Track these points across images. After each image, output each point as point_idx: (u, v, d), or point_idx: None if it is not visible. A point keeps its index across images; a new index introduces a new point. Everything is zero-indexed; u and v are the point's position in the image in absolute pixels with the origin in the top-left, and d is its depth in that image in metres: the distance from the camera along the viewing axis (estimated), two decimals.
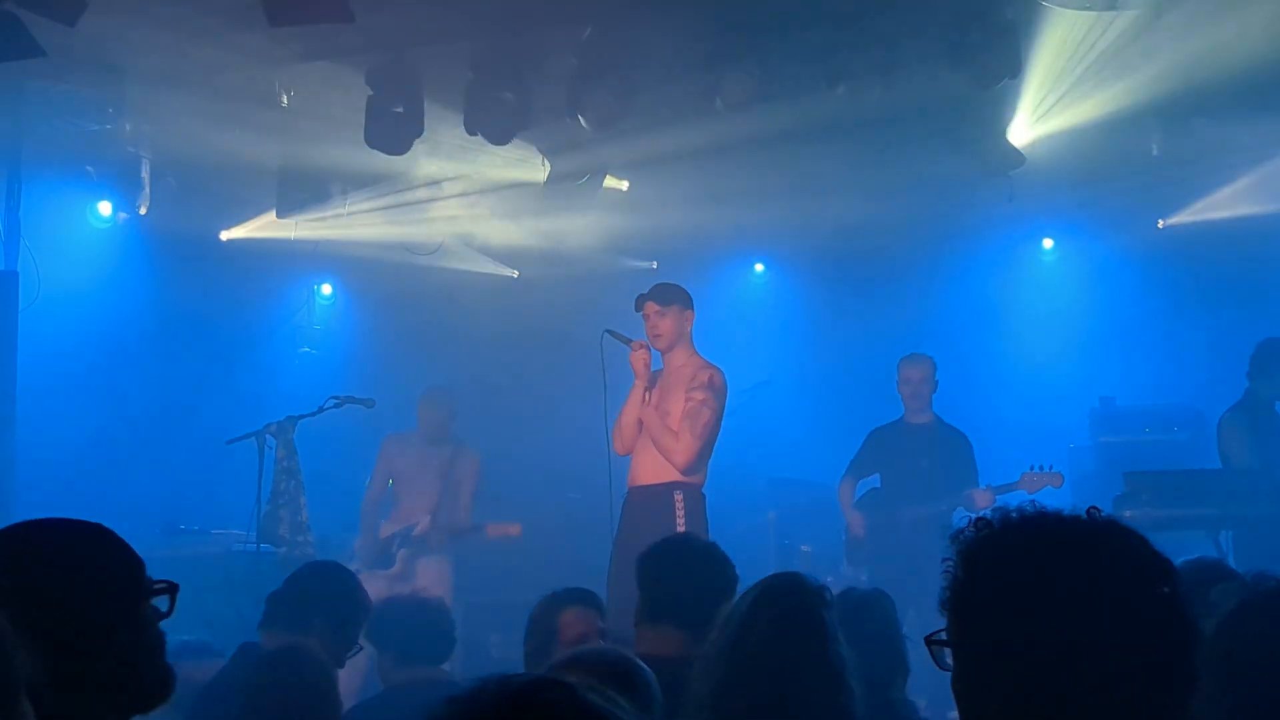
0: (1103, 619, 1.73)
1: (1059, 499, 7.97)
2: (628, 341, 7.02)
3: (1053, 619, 1.74)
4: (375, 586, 8.42)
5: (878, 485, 8.85)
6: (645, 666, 2.94)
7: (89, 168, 9.68)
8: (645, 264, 11.65)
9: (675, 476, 6.83)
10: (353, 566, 8.82)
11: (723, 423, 6.98)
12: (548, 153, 9.76)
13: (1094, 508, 1.88)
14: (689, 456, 6.83)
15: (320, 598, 4.93)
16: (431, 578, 8.75)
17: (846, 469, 8.83)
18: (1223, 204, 10.18)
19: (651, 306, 6.97)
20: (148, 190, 9.63)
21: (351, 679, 6.43)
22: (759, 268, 12.29)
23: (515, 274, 11.93)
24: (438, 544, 8.90)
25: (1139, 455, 8.91)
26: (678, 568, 4.24)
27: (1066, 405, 10.25)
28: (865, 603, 4.41)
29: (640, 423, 7.00)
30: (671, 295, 7.01)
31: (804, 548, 9.48)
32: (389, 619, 5.42)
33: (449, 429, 9.21)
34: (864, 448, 8.84)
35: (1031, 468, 8.22)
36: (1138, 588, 1.77)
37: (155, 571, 2.65)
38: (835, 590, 3.67)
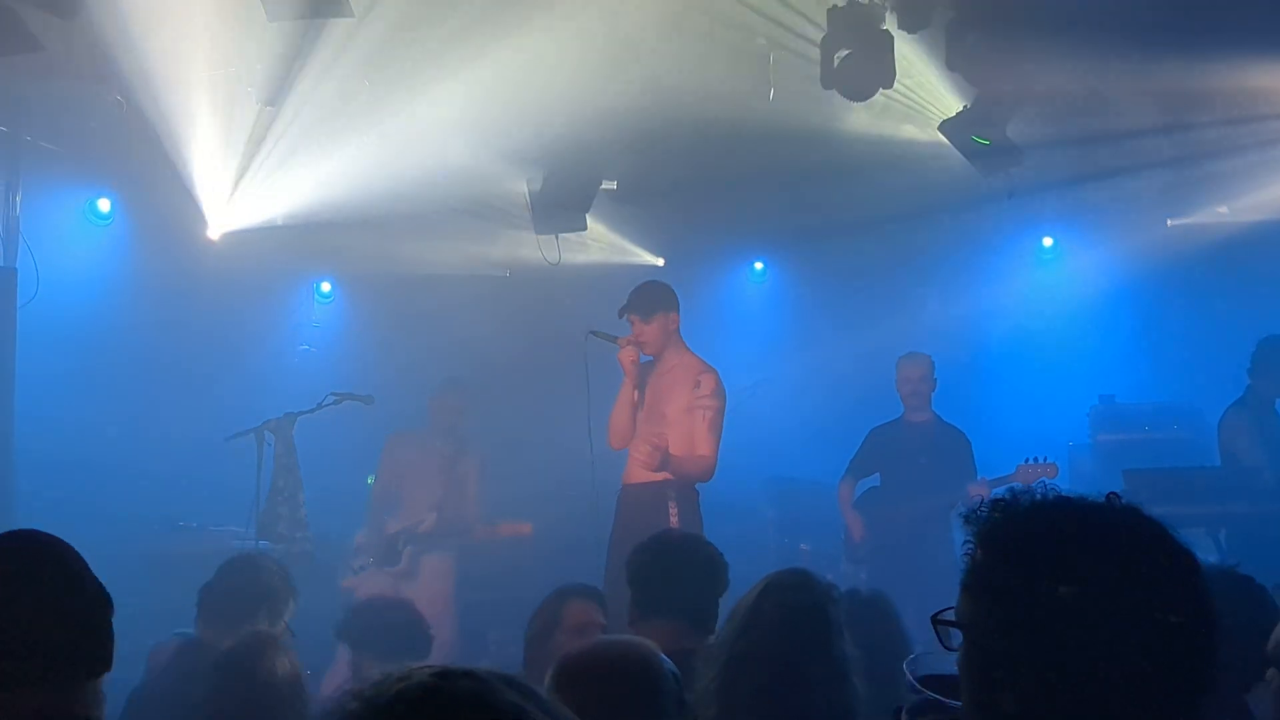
0: (1125, 604, 1.70)
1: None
2: (614, 340, 6.97)
3: (1073, 603, 1.71)
4: (380, 583, 8.46)
5: (878, 484, 8.85)
6: (665, 657, 2.94)
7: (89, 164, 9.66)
8: (653, 260, 11.62)
9: (668, 475, 6.82)
10: (356, 563, 8.86)
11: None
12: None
13: (1114, 494, 1.86)
14: (713, 471, 6.88)
15: (260, 588, 4.98)
16: (434, 575, 8.78)
17: (846, 469, 8.82)
18: (1234, 210, 10.20)
19: (634, 317, 6.94)
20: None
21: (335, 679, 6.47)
22: (759, 265, 12.29)
23: (507, 273, 11.91)
24: (444, 541, 8.91)
25: (1139, 453, 8.92)
26: (667, 563, 4.26)
27: (1066, 403, 10.23)
28: (868, 604, 4.43)
29: (634, 419, 6.98)
30: (653, 305, 6.95)
31: (803, 546, 9.48)
32: (365, 618, 5.45)
33: (459, 425, 9.22)
34: (863, 447, 8.84)
35: (1027, 459, 8.24)
36: (1161, 574, 1.74)
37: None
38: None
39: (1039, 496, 1.84)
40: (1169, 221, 10.68)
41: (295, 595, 5.20)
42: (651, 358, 7.02)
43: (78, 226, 10.26)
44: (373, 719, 1.31)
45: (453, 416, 9.19)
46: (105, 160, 9.58)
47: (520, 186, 10.16)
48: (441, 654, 8.41)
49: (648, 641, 3.00)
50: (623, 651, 2.95)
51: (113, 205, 10.21)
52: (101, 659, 2.54)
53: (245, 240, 10.44)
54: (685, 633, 4.00)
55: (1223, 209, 10.30)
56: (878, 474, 8.86)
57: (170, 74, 8.43)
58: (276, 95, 8.54)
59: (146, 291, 10.46)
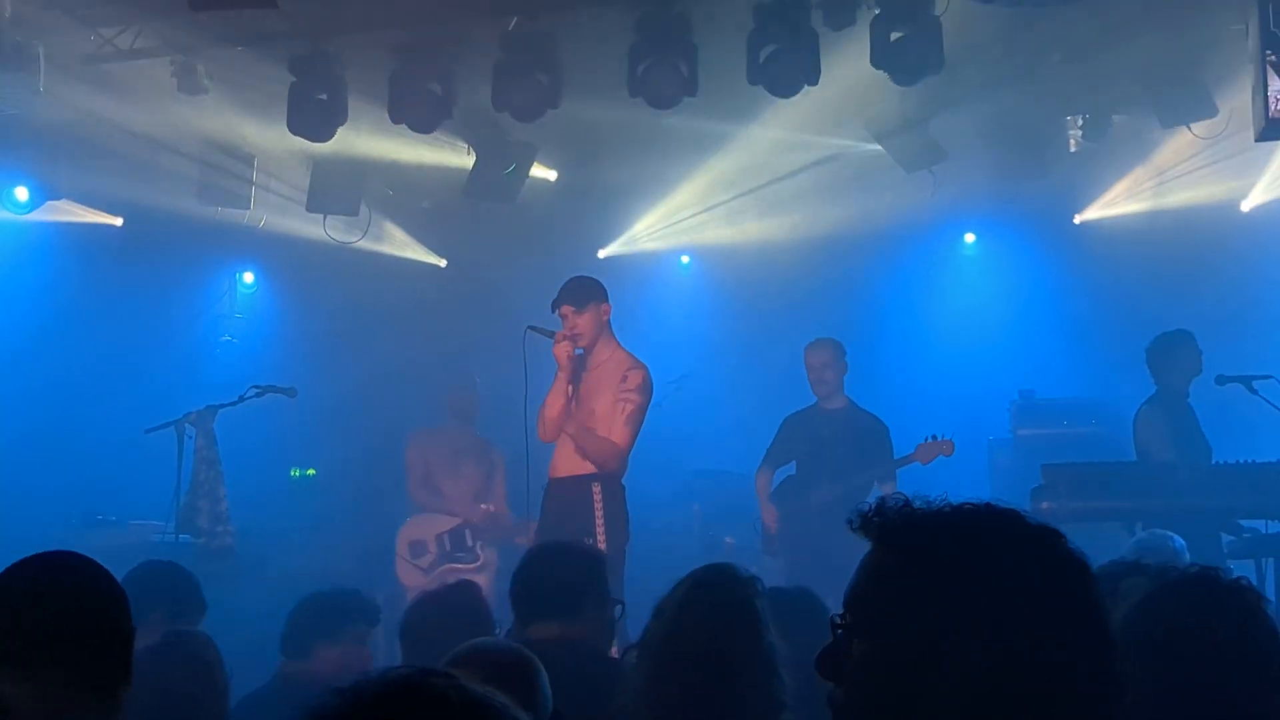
0: (1008, 614, 1.68)
1: (981, 492, 8.05)
2: (550, 335, 7.00)
3: (956, 614, 1.68)
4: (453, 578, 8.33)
5: (794, 473, 8.82)
6: (538, 661, 2.97)
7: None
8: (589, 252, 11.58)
9: (594, 469, 6.85)
10: (423, 561, 8.87)
11: (646, 415, 7.01)
12: (473, 142, 9.76)
13: (990, 503, 1.83)
14: (621, 463, 6.89)
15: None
16: (488, 567, 8.97)
17: (763, 458, 8.81)
18: (1133, 199, 10.45)
19: (568, 308, 6.97)
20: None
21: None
22: (685, 260, 12.31)
23: (443, 263, 11.84)
24: (493, 536, 9.08)
25: (1057, 448, 9.02)
26: (540, 571, 4.32)
27: (986, 398, 10.35)
28: (792, 600, 4.45)
29: (565, 412, 6.99)
30: (586, 295, 6.99)
31: (728, 539, 9.50)
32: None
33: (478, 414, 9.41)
34: (778, 435, 8.79)
35: (927, 438, 8.38)
36: (1050, 585, 1.71)
37: None
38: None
39: (934, 502, 1.82)
40: (1076, 218, 10.90)
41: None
42: (584, 350, 7.03)
43: None
44: (356, 715, 1.35)
45: (472, 409, 9.39)
46: (23, 147, 9.41)
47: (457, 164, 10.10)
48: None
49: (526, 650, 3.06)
50: (501, 652, 3.04)
51: (30, 193, 9.97)
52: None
53: (167, 229, 10.34)
54: (566, 626, 4.14)
55: (1132, 202, 10.54)
56: (794, 462, 8.83)
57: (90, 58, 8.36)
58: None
59: (65, 281, 10.31)
